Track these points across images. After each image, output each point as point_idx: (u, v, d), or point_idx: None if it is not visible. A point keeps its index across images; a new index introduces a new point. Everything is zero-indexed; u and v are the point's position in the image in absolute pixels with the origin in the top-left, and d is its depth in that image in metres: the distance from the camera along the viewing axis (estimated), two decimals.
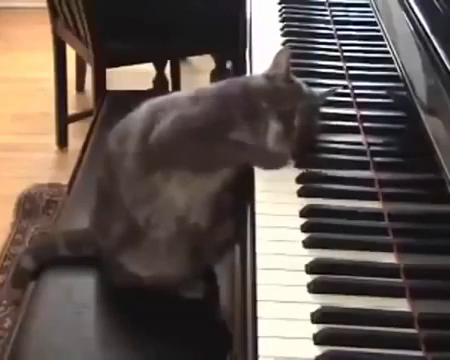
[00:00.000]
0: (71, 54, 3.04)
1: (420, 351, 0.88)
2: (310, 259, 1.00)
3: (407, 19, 1.24)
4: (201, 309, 1.30)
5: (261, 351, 0.87)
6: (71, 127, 3.03)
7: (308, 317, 0.92)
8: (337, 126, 1.29)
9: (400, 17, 1.28)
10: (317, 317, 0.91)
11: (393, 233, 1.04)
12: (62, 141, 3.01)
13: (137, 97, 1.30)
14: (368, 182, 1.15)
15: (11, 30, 4.00)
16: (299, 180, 1.16)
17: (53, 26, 2.86)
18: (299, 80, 1.27)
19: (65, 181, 2.07)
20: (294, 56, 1.28)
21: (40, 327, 1.29)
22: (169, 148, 1.20)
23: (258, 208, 1.10)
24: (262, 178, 1.17)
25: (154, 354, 1.23)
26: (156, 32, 2.57)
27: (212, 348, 1.23)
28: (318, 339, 0.89)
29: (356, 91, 1.37)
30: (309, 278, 0.97)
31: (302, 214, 1.09)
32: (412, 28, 1.20)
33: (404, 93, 1.15)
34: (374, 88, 1.36)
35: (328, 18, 1.67)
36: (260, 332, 0.89)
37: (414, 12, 1.22)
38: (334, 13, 1.69)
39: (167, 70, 3.06)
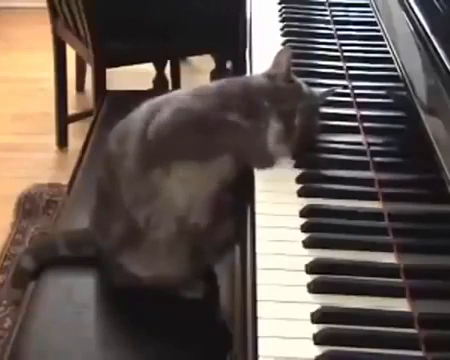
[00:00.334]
0: (71, 54, 3.04)
1: (420, 351, 0.88)
2: (310, 259, 1.00)
3: (407, 19, 1.24)
4: (201, 309, 1.30)
5: (261, 351, 0.87)
6: (71, 127, 3.03)
7: (308, 317, 0.92)
8: (337, 126, 1.29)
9: (400, 17, 1.28)
10: (317, 317, 0.91)
11: (393, 233, 1.04)
12: (62, 141, 3.01)
13: (137, 97, 1.30)
14: (368, 182, 1.15)
15: (11, 30, 4.00)
16: (299, 180, 1.16)
17: (53, 26, 2.86)
18: (299, 80, 1.27)
19: (65, 181, 2.07)
20: (294, 56, 1.28)
21: (40, 327, 1.29)
22: (167, 139, 1.20)
23: (258, 208, 1.10)
24: (262, 178, 1.17)
25: (154, 354, 1.23)
26: (156, 32, 2.57)
27: (212, 348, 1.23)
28: (318, 339, 0.89)
29: (356, 91, 1.37)
30: (309, 278, 0.97)
31: (302, 214, 1.09)
32: (412, 28, 1.20)
33: (404, 93, 1.15)
34: (374, 88, 1.36)
35: (328, 18, 1.67)
36: (260, 332, 0.89)
37: (414, 12, 1.22)
38: (334, 13, 1.69)
39: (167, 70, 3.06)
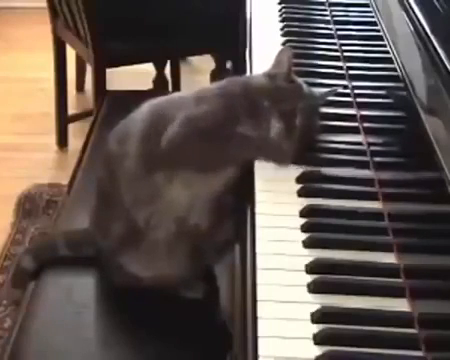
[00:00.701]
0: (71, 54, 3.04)
1: (420, 351, 0.88)
2: (310, 259, 1.00)
3: (407, 19, 1.24)
4: (201, 309, 1.30)
5: (261, 351, 0.87)
6: (71, 127, 3.03)
7: (308, 317, 0.92)
8: (337, 126, 1.29)
9: (400, 17, 1.28)
10: (317, 317, 0.91)
11: (393, 233, 1.04)
12: (62, 141, 3.01)
13: (137, 97, 1.30)
14: (368, 182, 1.15)
15: (11, 30, 4.00)
16: (299, 180, 1.16)
17: (53, 26, 2.86)
18: (300, 80, 1.27)
19: (65, 181, 2.07)
20: (294, 56, 1.28)
21: (40, 327, 1.29)
22: (181, 150, 1.20)
23: (258, 208, 1.10)
24: (262, 178, 1.17)
25: (154, 354, 1.23)
26: (156, 32, 2.57)
27: (212, 348, 1.23)
28: (318, 339, 0.89)
29: (356, 91, 1.37)
30: (309, 278, 0.97)
31: (302, 214, 1.09)
32: (412, 28, 1.20)
33: (404, 93, 1.15)
34: (374, 88, 1.36)
35: (328, 18, 1.67)
36: (260, 332, 0.89)
37: (414, 12, 1.22)
38: (334, 13, 1.69)
39: (167, 70, 3.06)
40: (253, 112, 1.20)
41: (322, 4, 1.75)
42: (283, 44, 1.56)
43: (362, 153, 1.21)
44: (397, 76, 1.21)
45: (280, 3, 1.77)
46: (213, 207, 1.21)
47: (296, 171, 1.18)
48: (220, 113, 1.20)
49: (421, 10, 1.21)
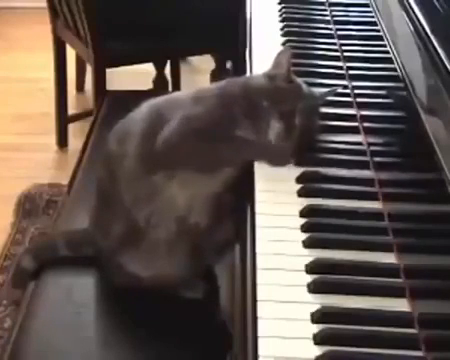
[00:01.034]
0: (71, 54, 3.04)
1: (420, 351, 0.88)
2: (310, 259, 1.00)
3: (407, 19, 1.24)
4: (201, 309, 1.30)
5: (261, 351, 0.87)
6: (71, 127, 3.03)
7: (308, 317, 0.92)
8: (337, 126, 1.29)
9: (400, 17, 1.28)
10: (317, 317, 0.91)
11: (393, 233, 1.04)
12: (62, 141, 3.01)
13: (137, 97, 1.30)
14: (368, 182, 1.15)
15: (11, 30, 4.00)
16: (299, 180, 1.16)
17: (53, 26, 2.86)
18: (299, 80, 1.27)
19: (65, 181, 2.07)
20: (294, 56, 1.28)
21: (40, 327, 1.29)
22: (177, 150, 1.20)
23: (258, 208, 1.10)
24: (262, 178, 1.17)
25: (154, 354, 1.23)
26: (156, 32, 2.57)
27: (212, 348, 1.23)
28: (318, 339, 0.89)
29: (356, 91, 1.37)
30: (309, 278, 0.97)
31: (302, 214, 1.09)
32: (412, 28, 1.20)
33: (404, 93, 1.15)
34: (374, 88, 1.36)
35: (328, 18, 1.67)
36: (260, 332, 0.89)
37: (414, 12, 1.22)
38: (334, 13, 1.69)
39: (167, 70, 3.06)
40: (252, 113, 1.20)
41: (322, 4, 1.75)
42: (283, 44, 1.56)
43: (362, 153, 1.21)
44: (397, 76, 1.21)
45: (280, 3, 1.77)
46: (213, 206, 1.21)
47: (296, 171, 1.18)
48: (217, 113, 1.20)
49: (421, 10, 1.21)
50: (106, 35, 2.54)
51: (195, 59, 3.52)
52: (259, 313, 0.91)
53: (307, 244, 1.03)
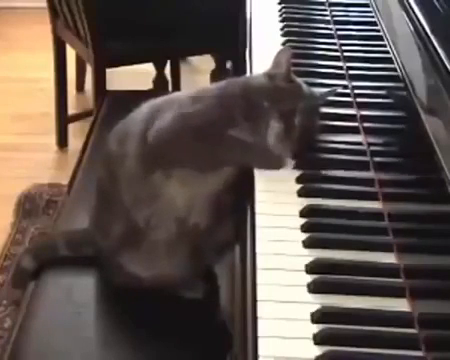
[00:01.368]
0: (71, 54, 3.04)
1: (420, 351, 0.88)
2: (310, 259, 1.00)
3: (407, 19, 1.24)
4: (201, 309, 1.30)
5: (261, 351, 0.87)
6: (71, 127, 3.03)
7: (308, 317, 0.92)
8: (337, 126, 1.29)
9: (400, 17, 1.28)
10: (317, 317, 0.91)
11: (393, 233, 1.04)
12: (62, 141, 3.01)
13: (137, 97, 1.30)
14: (368, 182, 1.15)
15: (11, 30, 4.00)
16: (299, 180, 1.16)
17: (53, 26, 2.86)
18: (299, 80, 1.27)
19: (65, 181, 2.07)
20: (294, 56, 1.28)
21: (40, 327, 1.29)
22: (168, 146, 1.20)
23: (258, 208, 1.10)
24: (262, 178, 1.17)
25: (154, 354, 1.23)
26: (156, 32, 2.57)
27: (212, 348, 1.23)
28: (318, 339, 0.89)
29: (356, 91, 1.37)
30: (309, 278, 0.97)
31: (302, 214, 1.09)
32: (412, 28, 1.20)
33: (404, 93, 1.15)
34: (374, 88, 1.36)
35: (328, 18, 1.67)
36: (260, 332, 0.89)
37: (414, 12, 1.22)
38: (334, 13, 1.69)
39: (167, 70, 3.06)
40: (252, 112, 1.20)
41: (322, 4, 1.75)
42: (283, 44, 1.56)
43: (362, 153, 1.21)
44: (397, 76, 1.21)
45: (280, 3, 1.77)
46: (213, 207, 1.21)
47: (296, 171, 1.18)
48: (214, 112, 1.20)
49: (421, 10, 1.21)
50: (106, 35, 2.54)
51: (195, 59, 3.52)
52: (259, 313, 0.91)
53: (307, 244, 1.03)
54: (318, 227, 1.06)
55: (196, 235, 1.23)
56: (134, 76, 3.13)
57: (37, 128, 3.13)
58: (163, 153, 1.20)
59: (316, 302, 0.94)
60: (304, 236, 1.04)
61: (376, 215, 1.09)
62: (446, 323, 0.87)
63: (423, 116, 1.04)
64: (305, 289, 0.96)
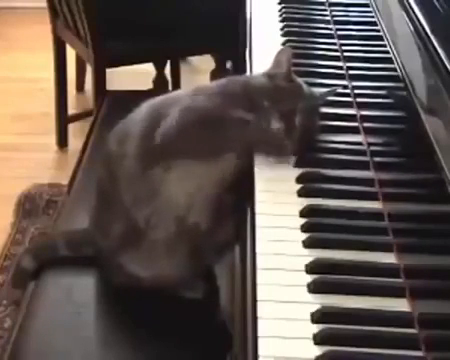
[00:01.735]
0: (71, 54, 3.04)
1: (420, 351, 0.88)
2: (310, 259, 1.00)
3: (407, 19, 1.24)
4: (201, 309, 1.30)
5: (261, 351, 0.87)
6: (71, 127, 3.03)
7: (308, 317, 0.92)
8: (337, 126, 1.29)
9: (400, 17, 1.28)
10: (317, 317, 0.91)
11: (393, 233, 1.04)
12: (62, 141, 3.01)
13: (137, 97, 1.30)
14: (368, 182, 1.15)
15: (11, 30, 4.00)
16: (299, 180, 1.16)
17: (53, 26, 2.86)
18: (300, 80, 1.27)
19: (65, 181, 2.07)
20: (294, 56, 1.28)
21: (40, 327, 1.29)
22: (170, 138, 1.20)
23: (258, 208, 1.10)
24: (262, 178, 1.17)
25: (154, 354, 1.23)
26: (156, 32, 2.57)
27: (212, 348, 1.23)
28: (318, 339, 0.89)
29: (356, 91, 1.37)
30: (309, 278, 0.97)
31: (302, 214, 1.09)
32: (412, 28, 1.20)
33: (404, 93, 1.15)
34: (374, 88, 1.36)
35: (328, 18, 1.67)
36: (260, 332, 0.89)
37: (414, 12, 1.22)
38: (334, 13, 1.69)
39: (167, 70, 3.06)
40: (252, 112, 1.20)
41: (322, 4, 1.75)
42: (283, 44, 1.56)
43: (362, 153, 1.21)
44: (397, 76, 1.21)
45: (280, 3, 1.77)
46: (213, 206, 1.21)
47: (296, 171, 1.18)
48: (217, 98, 1.20)
49: (421, 10, 1.21)
50: (106, 35, 2.54)
51: (195, 59, 3.52)
52: (259, 313, 0.91)
53: (307, 244, 1.03)
54: (318, 227, 1.06)
55: (196, 235, 1.23)
56: (134, 76, 3.13)
57: (37, 128, 3.13)
58: (164, 145, 1.20)
59: (316, 302, 0.94)
60: (304, 236, 1.04)
61: (376, 215, 1.09)
62: (446, 323, 0.87)
63: (423, 116, 1.04)
64: (305, 289, 0.96)
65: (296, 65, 1.34)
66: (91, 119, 2.08)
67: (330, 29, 1.62)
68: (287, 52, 1.26)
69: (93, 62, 2.55)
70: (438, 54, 1.06)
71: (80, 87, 3.41)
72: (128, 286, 1.28)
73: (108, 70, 2.59)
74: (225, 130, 1.19)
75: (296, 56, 1.38)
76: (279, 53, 1.26)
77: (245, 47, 1.57)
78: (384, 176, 1.15)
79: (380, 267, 1.00)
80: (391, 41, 1.33)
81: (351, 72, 1.43)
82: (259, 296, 0.94)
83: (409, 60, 1.20)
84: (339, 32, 1.60)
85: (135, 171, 1.22)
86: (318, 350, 0.88)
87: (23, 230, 2.50)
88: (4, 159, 2.91)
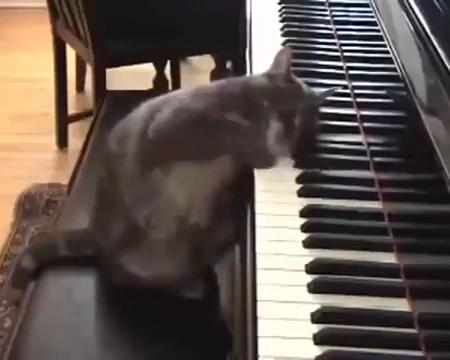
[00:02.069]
0: (71, 54, 3.04)
1: (420, 351, 0.88)
2: (310, 259, 1.00)
3: (407, 19, 1.24)
4: (201, 309, 1.30)
5: (261, 351, 0.87)
6: (71, 127, 3.03)
7: (308, 317, 0.92)
8: (337, 126, 1.29)
9: (400, 17, 1.28)
10: (317, 317, 0.91)
11: (393, 233, 1.04)
12: (62, 141, 3.01)
13: (137, 97, 1.30)
14: (368, 182, 1.15)
15: (11, 30, 4.00)
16: (299, 180, 1.16)
17: (53, 26, 2.86)
18: (299, 80, 1.27)
19: (65, 181, 2.07)
20: (294, 56, 1.28)
21: (40, 327, 1.29)
22: (166, 139, 1.20)
23: (258, 208, 1.10)
24: (262, 178, 1.17)
25: (154, 354, 1.23)
26: (156, 32, 2.57)
27: (212, 348, 1.23)
28: (318, 339, 0.89)
29: (356, 91, 1.37)
30: (309, 278, 0.97)
31: (302, 214, 1.09)
32: (412, 28, 1.20)
33: (404, 93, 1.15)
34: (374, 88, 1.36)
35: (328, 18, 1.68)
36: (260, 332, 0.89)
37: (414, 12, 1.22)
38: (334, 13, 1.69)
39: (167, 70, 3.06)
40: (252, 112, 1.20)
41: (322, 4, 1.75)
42: (283, 44, 1.56)
43: (362, 153, 1.21)
44: (397, 76, 1.21)
45: (280, 3, 1.77)
46: (213, 206, 1.21)
47: (296, 171, 1.18)
48: (212, 101, 1.20)
49: (421, 10, 1.21)
50: (106, 35, 2.54)
51: (195, 59, 3.52)
52: (259, 313, 0.91)
53: (307, 244, 1.03)
54: (318, 227, 1.06)
55: (196, 235, 1.23)
56: (134, 76, 3.13)
57: (37, 128, 3.13)
58: (162, 147, 1.20)
59: (316, 302, 0.94)
60: (304, 236, 1.04)
61: (376, 215, 1.09)
62: (446, 323, 0.87)
63: (423, 116, 1.04)
64: (305, 289, 0.96)
65: (296, 65, 1.35)
66: (91, 119, 2.08)
67: (330, 29, 1.62)
68: (287, 52, 1.26)
69: (93, 62, 2.55)
70: (438, 54, 1.06)
71: (80, 87, 3.41)
72: (128, 286, 1.28)
73: (108, 70, 2.59)
74: (217, 133, 1.19)
75: (296, 56, 1.38)
76: (279, 53, 1.26)
77: (245, 47, 1.57)
78: (384, 176, 1.15)
79: (380, 267, 1.00)
80: (391, 41, 1.33)
81: (351, 72, 1.43)
82: (259, 296, 0.94)
83: (409, 60, 1.20)
84: (339, 32, 1.60)
85: (135, 171, 1.22)
86: (318, 350, 0.88)
87: (23, 230, 2.50)
88: (4, 159, 2.91)
